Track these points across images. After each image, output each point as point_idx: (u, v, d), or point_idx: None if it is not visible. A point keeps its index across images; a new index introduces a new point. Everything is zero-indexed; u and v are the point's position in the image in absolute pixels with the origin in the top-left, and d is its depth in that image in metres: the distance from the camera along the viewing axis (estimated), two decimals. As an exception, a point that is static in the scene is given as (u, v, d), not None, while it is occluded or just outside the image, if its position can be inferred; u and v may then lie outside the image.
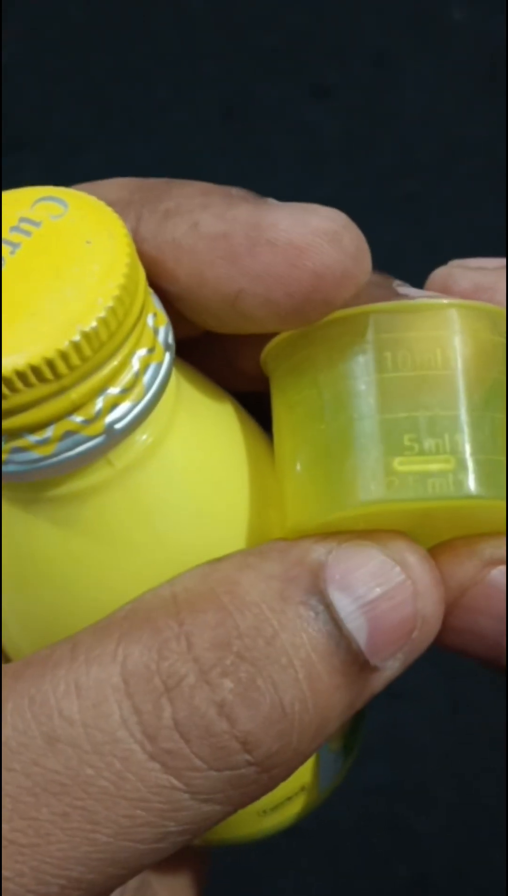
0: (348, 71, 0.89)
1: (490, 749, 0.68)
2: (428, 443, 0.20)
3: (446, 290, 0.23)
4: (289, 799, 0.31)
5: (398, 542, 0.22)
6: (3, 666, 0.21)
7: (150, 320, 0.21)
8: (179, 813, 0.20)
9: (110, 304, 0.19)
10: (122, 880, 0.21)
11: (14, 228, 0.21)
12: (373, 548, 0.21)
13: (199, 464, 0.23)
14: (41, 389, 0.19)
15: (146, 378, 0.21)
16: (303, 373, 0.22)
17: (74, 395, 0.20)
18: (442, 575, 0.22)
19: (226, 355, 0.25)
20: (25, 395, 0.19)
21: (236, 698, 0.20)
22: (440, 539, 0.24)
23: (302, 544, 0.22)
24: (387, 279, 0.23)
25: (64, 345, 0.19)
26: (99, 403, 0.20)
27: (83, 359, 0.19)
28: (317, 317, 0.21)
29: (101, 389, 0.20)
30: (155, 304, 0.22)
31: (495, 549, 0.22)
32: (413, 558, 0.21)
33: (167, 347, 0.22)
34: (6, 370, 0.19)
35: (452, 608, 0.23)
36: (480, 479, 0.20)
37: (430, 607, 0.22)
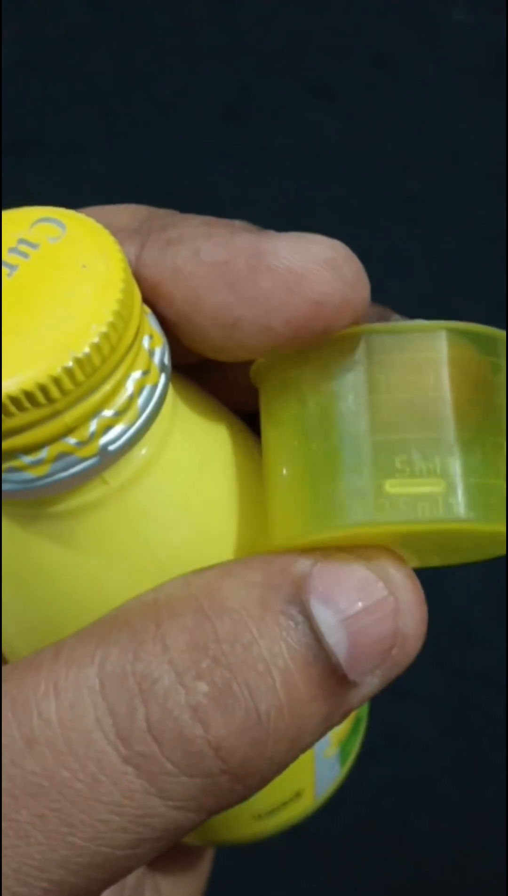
0: (349, 71, 0.89)
1: (492, 749, 0.68)
2: (419, 465, 0.20)
3: None
4: (284, 804, 0.32)
5: (383, 558, 0.22)
6: None
7: (145, 342, 0.21)
8: (152, 819, 0.20)
9: (104, 329, 0.20)
10: (105, 884, 0.21)
11: (12, 250, 0.21)
12: (357, 563, 0.21)
13: (192, 481, 0.23)
14: (35, 413, 0.20)
15: (141, 400, 0.21)
16: (294, 390, 0.22)
17: (68, 418, 0.20)
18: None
19: (222, 375, 0.25)
20: (19, 419, 0.20)
21: (210, 702, 0.20)
22: (429, 562, 0.24)
23: (287, 556, 0.22)
24: (386, 312, 0.24)
25: (57, 370, 0.19)
26: (93, 426, 0.20)
27: (76, 384, 0.19)
28: (314, 344, 0.21)
29: (94, 412, 0.20)
30: (152, 324, 0.22)
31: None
32: (398, 575, 0.22)
33: (163, 369, 0.22)
34: (1, 394, 0.19)
35: None
36: (469, 503, 0.20)
37: (412, 626, 0.22)
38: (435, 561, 0.24)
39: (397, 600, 0.21)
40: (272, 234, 0.22)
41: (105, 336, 0.20)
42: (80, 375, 0.19)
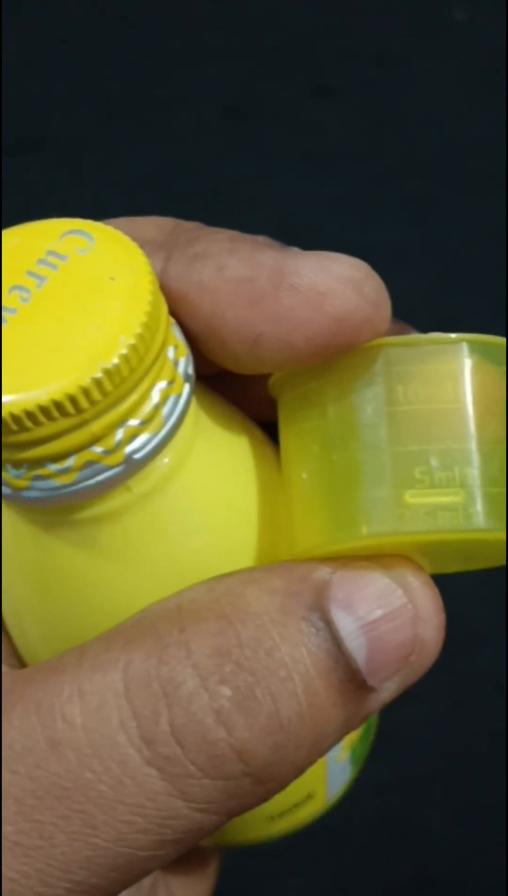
0: (350, 71, 0.89)
1: (492, 749, 0.68)
2: (439, 475, 0.21)
3: None
4: (296, 806, 0.32)
5: (403, 566, 0.22)
6: (15, 671, 0.22)
7: (170, 353, 0.22)
8: (175, 821, 0.20)
9: (132, 341, 0.20)
10: (125, 885, 0.21)
11: (41, 261, 0.21)
12: (377, 570, 0.22)
13: (214, 489, 0.23)
14: (63, 423, 0.20)
15: (165, 410, 0.21)
16: (313, 402, 0.22)
17: (95, 427, 0.20)
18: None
19: (242, 386, 0.26)
20: (48, 428, 0.20)
21: (233, 706, 0.20)
22: (447, 568, 0.24)
23: (308, 563, 0.22)
24: (404, 328, 0.24)
25: (86, 381, 0.20)
26: (119, 434, 0.21)
27: (104, 394, 0.20)
28: (328, 368, 0.22)
29: (121, 422, 0.21)
30: (176, 335, 0.22)
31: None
32: (416, 583, 0.22)
33: (187, 378, 0.22)
34: (30, 405, 0.19)
35: None
36: (489, 512, 0.21)
37: (430, 632, 0.22)
38: (453, 567, 0.24)
39: (415, 607, 0.22)
40: (296, 251, 0.22)
41: (133, 348, 0.20)
42: (108, 386, 0.20)
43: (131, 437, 0.21)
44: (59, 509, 0.22)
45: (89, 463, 0.21)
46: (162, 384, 0.21)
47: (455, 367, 0.21)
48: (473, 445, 0.21)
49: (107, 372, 0.20)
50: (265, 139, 0.86)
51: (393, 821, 0.67)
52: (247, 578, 0.22)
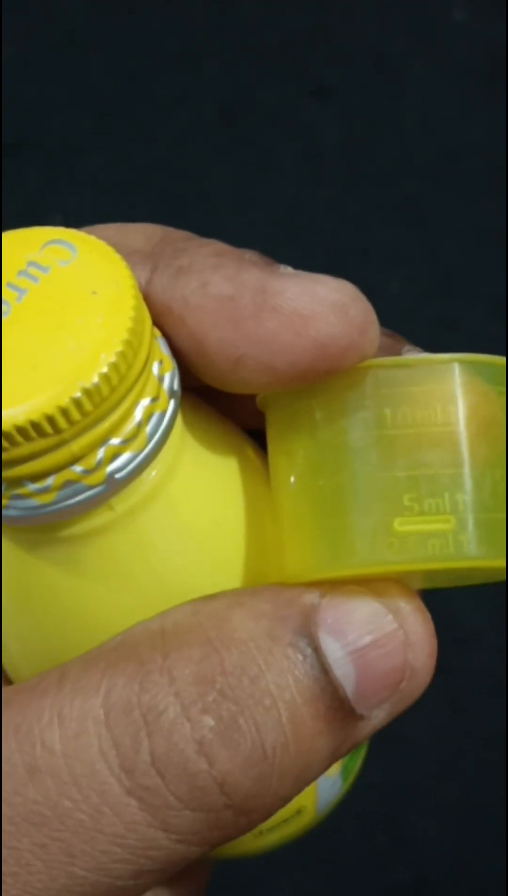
0: (348, 72, 0.88)
1: (489, 750, 0.68)
2: (428, 502, 0.20)
3: None
4: (286, 821, 0.32)
5: (393, 590, 0.21)
6: None
7: (155, 368, 0.21)
8: (155, 851, 0.20)
9: (113, 359, 0.19)
10: None
11: (22, 273, 0.21)
12: (367, 595, 0.21)
13: (200, 506, 0.23)
14: (41, 443, 0.19)
15: (149, 428, 0.21)
16: (301, 424, 0.22)
17: (75, 447, 0.20)
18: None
19: (231, 396, 0.25)
20: (25, 448, 0.19)
21: (215, 737, 0.20)
22: (442, 585, 0.24)
23: (296, 587, 0.22)
24: (398, 342, 0.23)
25: (65, 401, 0.19)
26: (100, 454, 0.20)
27: (84, 413, 0.19)
28: (315, 387, 0.21)
29: (102, 441, 0.20)
30: (162, 349, 0.22)
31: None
32: (408, 608, 0.21)
33: (172, 394, 0.22)
34: (6, 425, 0.19)
35: None
36: (480, 539, 0.20)
37: (421, 659, 0.21)
38: (448, 584, 0.24)
39: (406, 633, 0.21)
40: (281, 272, 0.21)
41: (114, 366, 0.19)
42: (87, 405, 0.19)
43: (113, 456, 0.20)
44: (40, 527, 0.22)
45: (69, 482, 0.20)
46: (146, 401, 0.21)
47: (445, 388, 0.20)
48: (463, 470, 0.20)
49: (86, 391, 0.19)
50: (262, 141, 0.85)
51: (389, 822, 0.67)
52: (233, 601, 0.21)
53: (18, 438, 0.19)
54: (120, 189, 0.83)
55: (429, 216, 0.82)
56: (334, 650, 0.21)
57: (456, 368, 0.21)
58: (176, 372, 0.22)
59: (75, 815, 0.19)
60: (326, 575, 0.21)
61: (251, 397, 0.24)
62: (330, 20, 0.90)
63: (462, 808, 0.67)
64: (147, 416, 0.21)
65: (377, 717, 0.22)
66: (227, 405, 0.25)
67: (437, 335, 0.77)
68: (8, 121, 0.85)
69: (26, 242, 0.21)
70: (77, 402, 0.19)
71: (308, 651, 0.20)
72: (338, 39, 0.89)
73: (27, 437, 0.19)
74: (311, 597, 0.21)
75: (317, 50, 0.89)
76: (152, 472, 0.22)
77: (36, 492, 0.20)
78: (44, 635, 0.24)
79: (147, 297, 0.22)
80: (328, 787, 0.32)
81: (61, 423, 0.19)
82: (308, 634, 0.21)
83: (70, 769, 0.20)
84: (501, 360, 0.21)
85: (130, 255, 0.22)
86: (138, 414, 0.21)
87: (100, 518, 0.22)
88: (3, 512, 0.21)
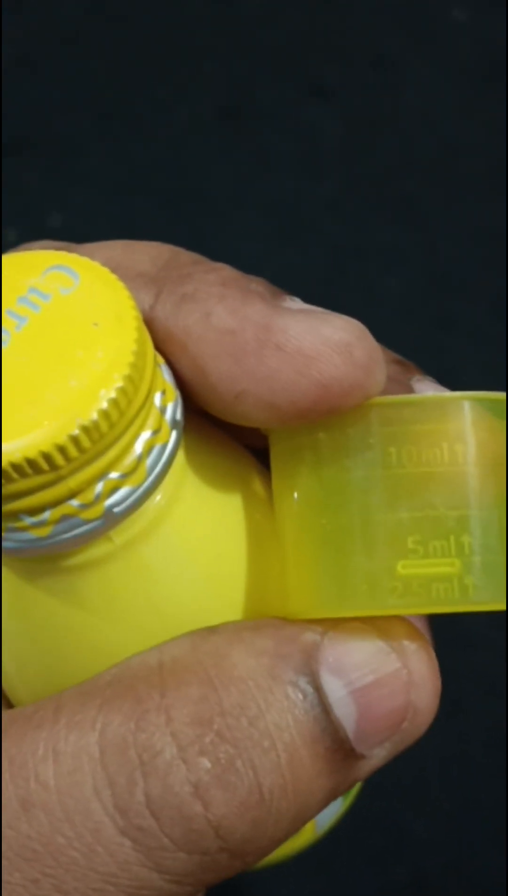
0: (347, 71, 0.88)
1: (488, 750, 0.68)
2: (433, 545, 0.20)
3: None
4: (285, 838, 0.31)
5: (398, 628, 0.21)
6: None
7: (157, 399, 0.21)
8: (147, 892, 0.20)
9: (113, 395, 0.19)
10: None
11: (22, 299, 0.20)
12: (370, 633, 0.21)
13: (201, 537, 0.22)
14: (37, 479, 0.19)
15: (149, 461, 0.20)
16: (305, 459, 0.21)
17: (72, 482, 0.19)
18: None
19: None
20: (21, 485, 0.19)
21: (212, 780, 0.19)
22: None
23: (298, 623, 0.21)
24: (408, 372, 0.23)
25: (63, 438, 0.18)
26: (98, 488, 0.20)
27: (82, 451, 0.19)
28: (320, 421, 0.21)
29: (100, 476, 0.20)
30: (165, 377, 0.21)
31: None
32: (412, 647, 0.21)
33: (174, 426, 0.21)
34: (3, 461, 0.18)
35: None
36: (486, 584, 0.20)
37: (425, 699, 0.21)
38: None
39: (410, 672, 0.21)
40: (286, 307, 0.21)
41: (114, 402, 0.19)
42: (85, 442, 0.19)
43: (112, 490, 0.20)
44: (39, 557, 0.21)
45: (66, 517, 0.20)
46: (146, 434, 0.20)
47: (452, 427, 0.20)
48: (469, 512, 0.20)
49: (84, 428, 0.19)
50: (262, 140, 0.85)
51: (389, 824, 0.67)
52: (234, 637, 0.21)
53: (14, 475, 0.19)
54: (120, 188, 0.82)
55: (429, 215, 0.82)
56: (335, 689, 0.20)
57: (466, 406, 0.20)
58: (179, 401, 0.22)
59: (68, 853, 0.19)
60: (328, 615, 0.21)
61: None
62: (330, 19, 0.89)
63: (462, 808, 0.67)
64: (148, 449, 0.20)
65: (378, 756, 0.21)
66: (235, 424, 0.25)
67: (436, 334, 0.77)
68: (7, 120, 0.84)
69: (28, 267, 0.21)
70: (75, 440, 0.19)
71: (309, 690, 0.20)
72: (338, 39, 0.89)
73: (23, 474, 0.19)
74: (313, 634, 0.21)
75: (317, 49, 0.88)
76: (152, 504, 0.21)
77: (32, 525, 0.20)
78: (41, 660, 0.24)
79: (150, 323, 0.21)
80: (329, 808, 0.32)
81: (58, 460, 0.19)
82: (310, 673, 0.20)
83: (64, 806, 0.19)
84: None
85: (134, 277, 0.22)
86: (139, 447, 0.20)
87: (98, 550, 0.21)
88: (2, 544, 0.20)
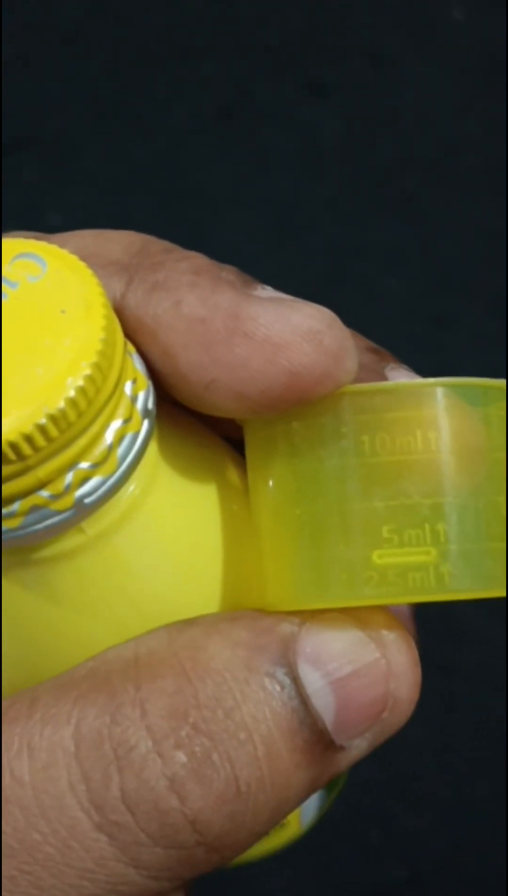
0: (347, 71, 0.88)
1: (484, 747, 0.68)
2: (408, 533, 0.19)
3: None
4: (268, 834, 0.31)
5: (377, 617, 0.21)
6: None
7: (128, 388, 0.20)
8: (125, 887, 0.19)
9: (80, 383, 0.19)
10: None
11: None
12: (348, 623, 0.21)
13: (175, 529, 0.22)
14: (5, 469, 0.19)
15: (120, 450, 0.20)
16: (279, 449, 0.21)
17: (41, 472, 0.19)
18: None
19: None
20: None
21: (187, 773, 0.19)
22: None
23: (275, 614, 0.21)
24: (382, 360, 0.22)
25: (29, 427, 0.18)
26: (68, 478, 0.20)
27: (49, 440, 0.19)
28: (293, 410, 0.20)
29: (70, 465, 0.19)
30: (137, 366, 0.21)
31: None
32: (390, 636, 0.21)
33: (146, 414, 0.21)
34: None
35: None
36: (463, 572, 0.19)
37: (404, 689, 0.21)
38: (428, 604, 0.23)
39: (389, 662, 0.20)
40: (256, 295, 0.20)
41: (81, 390, 0.19)
42: (53, 431, 0.18)
43: (82, 480, 0.20)
44: (11, 549, 0.21)
45: (36, 507, 0.20)
46: (117, 423, 0.20)
47: (425, 414, 0.20)
48: (444, 500, 0.19)
49: (51, 417, 0.18)
50: (260, 138, 0.85)
51: (384, 819, 0.67)
52: (211, 629, 0.21)
53: None
54: (118, 187, 0.82)
55: (427, 213, 0.82)
56: (313, 680, 0.20)
57: (438, 393, 0.20)
58: (151, 390, 0.21)
59: (44, 849, 0.19)
60: (304, 607, 0.21)
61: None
62: (328, 18, 0.90)
63: (458, 805, 0.67)
64: (119, 439, 0.20)
65: (358, 747, 0.21)
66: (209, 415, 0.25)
67: (435, 333, 0.77)
68: (7, 119, 0.84)
69: None
70: (42, 428, 0.18)
71: (286, 681, 0.20)
72: (336, 37, 0.89)
73: None
74: (290, 625, 0.20)
75: (315, 47, 0.88)
76: (125, 495, 0.21)
77: (2, 516, 0.20)
78: (18, 653, 0.23)
79: (121, 312, 0.21)
80: (313, 801, 0.32)
81: (25, 449, 0.18)
82: (287, 664, 0.20)
83: (39, 802, 0.19)
84: (484, 381, 0.20)
85: (105, 265, 0.22)
86: (109, 436, 0.20)
87: (71, 541, 0.21)
88: None
